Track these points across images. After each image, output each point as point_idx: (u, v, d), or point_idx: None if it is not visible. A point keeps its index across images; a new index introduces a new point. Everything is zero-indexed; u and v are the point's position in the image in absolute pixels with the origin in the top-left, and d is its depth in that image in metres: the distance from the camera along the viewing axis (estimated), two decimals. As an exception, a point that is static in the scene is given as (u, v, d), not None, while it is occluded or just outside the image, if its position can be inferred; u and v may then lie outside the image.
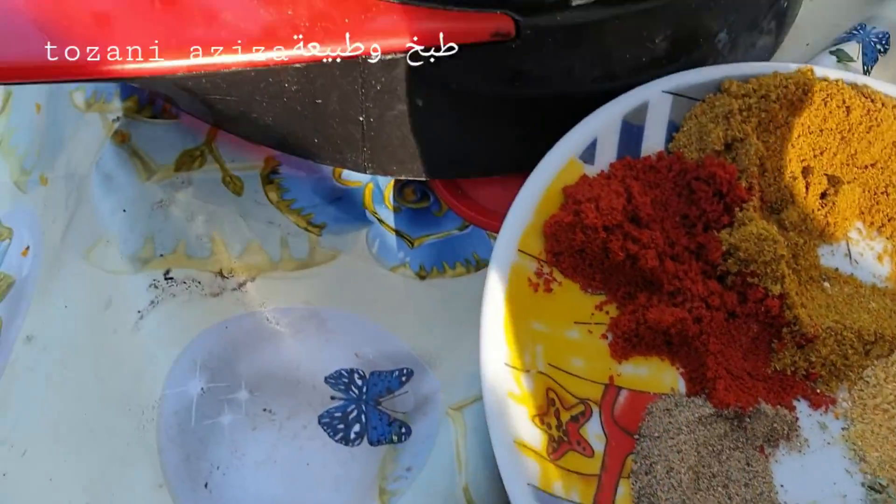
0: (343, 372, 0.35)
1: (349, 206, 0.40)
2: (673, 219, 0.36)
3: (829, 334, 0.35)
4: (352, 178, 0.41)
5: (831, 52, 0.44)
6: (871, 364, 0.36)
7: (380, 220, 0.40)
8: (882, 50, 0.45)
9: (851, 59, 0.44)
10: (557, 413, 0.32)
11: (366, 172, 0.38)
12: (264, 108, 0.35)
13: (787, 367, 0.35)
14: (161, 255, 0.38)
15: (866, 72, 0.44)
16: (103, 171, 0.40)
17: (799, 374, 0.36)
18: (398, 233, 0.40)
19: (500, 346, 0.31)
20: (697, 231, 0.36)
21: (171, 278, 0.37)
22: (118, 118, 0.42)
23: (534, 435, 0.30)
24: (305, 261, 0.38)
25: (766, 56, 0.43)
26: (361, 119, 0.36)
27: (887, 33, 0.46)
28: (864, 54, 0.44)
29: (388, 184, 0.41)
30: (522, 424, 0.30)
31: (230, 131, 0.39)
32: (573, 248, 0.34)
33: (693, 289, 0.34)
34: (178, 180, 0.40)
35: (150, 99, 0.42)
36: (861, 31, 0.46)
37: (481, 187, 0.41)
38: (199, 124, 0.41)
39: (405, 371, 0.36)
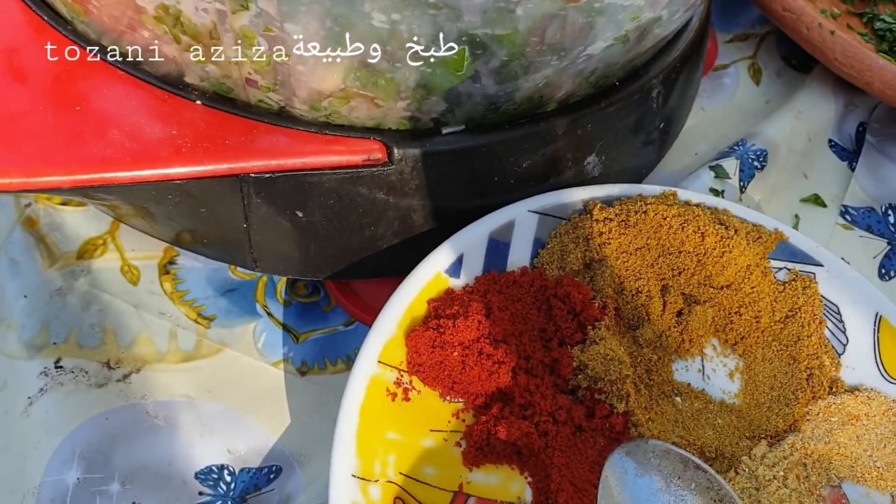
0: (213, 468, 0.37)
1: (240, 299, 0.42)
2: (531, 331, 0.38)
3: (673, 449, 0.37)
4: (246, 270, 0.43)
5: (710, 168, 0.47)
6: (713, 478, 0.38)
7: (269, 314, 0.42)
8: (759, 167, 0.48)
9: (728, 176, 0.46)
10: (403, 520, 0.34)
11: (254, 270, 0.40)
12: (152, 214, 0.38)
13: (632, 478, 0.38)
14: (54, 343, 0.40)
15: (742, 188, 0.47)
16: (10, 255, 0.42)
17: (644, 485, 0.38)
18: (285, 327, 0.42)
19: (349, 459, 0.33)
20: (553, 345, 0.38)
21: (61, 367, 0.39)
22: (30, 204, 0.44)
23: (373, 543, 0.32)
24: (191, 353, 0.40)
25: (649, 166, 0.46)
26: (245, 226, 0.38)
27: (765, 151, 0.48)
28: (741, 171, 0.47)
29: (281, 278, 0.43)
30: (363, 533, 0.32)
31: (129, 225, 0.41)
32: (432, 361, 0.36)
33: (542, 403, 0.36)
34: (79, 268, 0.42)
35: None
36: (741, 148, 0.48)
37: (368, 285, 0.44)
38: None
39: (274, 468, 0.38)
